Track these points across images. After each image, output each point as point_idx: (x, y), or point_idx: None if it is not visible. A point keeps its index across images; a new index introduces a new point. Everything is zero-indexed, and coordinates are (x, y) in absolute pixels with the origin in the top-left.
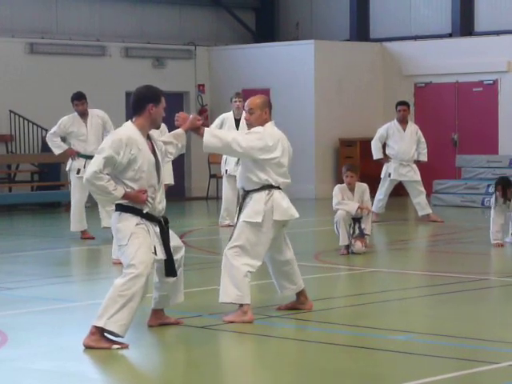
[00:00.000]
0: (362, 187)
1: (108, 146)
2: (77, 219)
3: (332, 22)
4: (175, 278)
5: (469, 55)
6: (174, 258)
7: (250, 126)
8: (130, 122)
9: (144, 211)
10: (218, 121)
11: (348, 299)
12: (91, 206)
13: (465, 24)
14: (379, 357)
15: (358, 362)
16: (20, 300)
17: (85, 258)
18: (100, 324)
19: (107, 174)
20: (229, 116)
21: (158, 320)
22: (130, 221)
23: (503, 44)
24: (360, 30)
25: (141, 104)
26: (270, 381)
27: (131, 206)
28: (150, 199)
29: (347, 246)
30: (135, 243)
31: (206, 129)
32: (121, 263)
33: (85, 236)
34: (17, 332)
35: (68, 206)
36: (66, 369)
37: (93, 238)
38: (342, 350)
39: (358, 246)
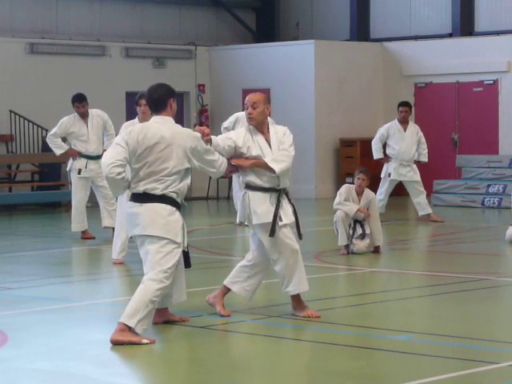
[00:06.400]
0: (370, 196)
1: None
2: (78, 219)
3: (332, 22)
4: (177, 273)
5: (469, 55)
6: None
7: (252, 119)
8: (159, 116)
9: (184, 205)
10: (231, 118)
11: (348, 299)
12: (92, 205)
13: (465, 24)
14: (379, 357)
15: (358, 361)
16: (20, 300)
17: (85, 258)
18: (131, 324)
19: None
20: (243, 115)
21: (163, 317)
22: (177, 216)
23: (503, 44)
24: (360, 30)
25: (163, 101)
26: (269, 381)
27: (176, 199)
28: None
29: (347, 246)
30: (177, 253)
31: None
32: (121, 263)
33: (85, 236)
34: (17, 332)
35: (68, 206)
36: (66, 369)
37: (93, 238)
38: (342, 350)
39: (358, 246)
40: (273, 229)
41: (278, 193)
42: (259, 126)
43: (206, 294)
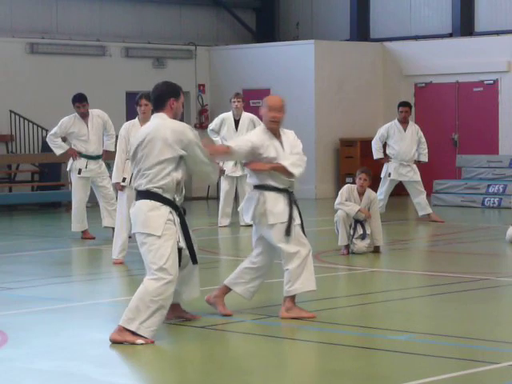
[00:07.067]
0: (372, 196)
1: (190, 131)
2: (78, 219)
3: (332, 22)
4: (186, 271)
5: (469, 55)
6: (185, 251)
7: (277, 123)
8: (156, 114)
9: (176, 200)
10: (217, 120)
11: (348, 299)
12: (92, 205)
13: (465, 24)
14: (379, 357)
15: (358, 361)
16: (20, 300)
17: (85, 258)
18: (132, 328)
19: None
20: (228, 116)
21: (175, 313)
22: (162, 211)
23: (503, 44)
24: (360, 30)
25: (162, 99)
26: (269, 381)
27: (162, 195)
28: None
29: (347, 246)
30: (168, 245)
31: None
32: (121, 263)
33: (85, 236)
34: (17, 332)
35: (68, 206)
36: (66, 369)
37: (93, 238)
38: (342, 350)
39: (358, 246)
40: (289, 228)
41: (290, 194)
42: (276, 129)
43: (206, 294)
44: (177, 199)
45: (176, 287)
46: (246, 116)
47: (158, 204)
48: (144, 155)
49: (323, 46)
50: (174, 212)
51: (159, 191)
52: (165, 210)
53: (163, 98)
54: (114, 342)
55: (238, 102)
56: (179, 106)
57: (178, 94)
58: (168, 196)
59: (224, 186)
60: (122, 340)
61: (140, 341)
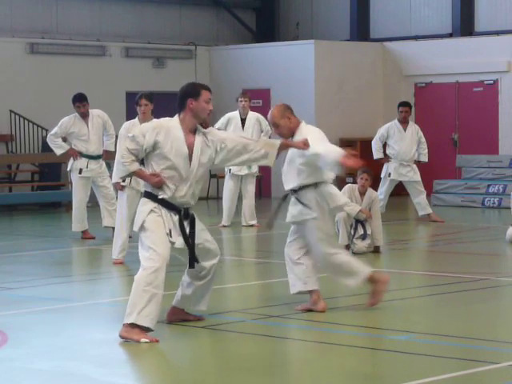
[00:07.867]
0: (373, 196)
1: (138, 129)
2: (78, 219)
3: (332, 22)
4: (204, 282)
5: (469, 55)
6: (205, 264)
7: (282, 136)
8: (176, 115)
9: (159, 197)
10: (223, 119)
11: (348, 299)
12: (92, 205)
13: (465, 24)
14: (379, 357)
15: (358, 361)
16: (20, 300)
17: (85, 257)
18: (131, 320)
19: (133, 153)
20: (235, 115)
21: (178, 316)
22: (147, 205)
23: (503, 44)
24: (360, 30)
25: (182, 100)
26: (269, 381)
27: (150, 191)
28: (170, 186)
29: (347, 246)
30: (151, 236)
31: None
32: (121, 263)
33: (85, 236)
34: (17, 332)
35: (69, 206)
36: (66, 369)
37: (93, 238)
38: (342, 350)
39: (358, 246)
40: None
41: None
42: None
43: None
44: (161, 196)
45: (188, 293)
46: (252, 115)
47: (146, 200)
48: None
49: (323, 46)
50: (162, 208)
51: (148, 188)
52: (149, 205)
53: (182, 98)
54: (123, 339)
55: (246, 101)
56: (199, 106)
57: (197, 94)
58: (154, 192)
59: (229, 184)
60: (129, 337)
61: (144, 339)
